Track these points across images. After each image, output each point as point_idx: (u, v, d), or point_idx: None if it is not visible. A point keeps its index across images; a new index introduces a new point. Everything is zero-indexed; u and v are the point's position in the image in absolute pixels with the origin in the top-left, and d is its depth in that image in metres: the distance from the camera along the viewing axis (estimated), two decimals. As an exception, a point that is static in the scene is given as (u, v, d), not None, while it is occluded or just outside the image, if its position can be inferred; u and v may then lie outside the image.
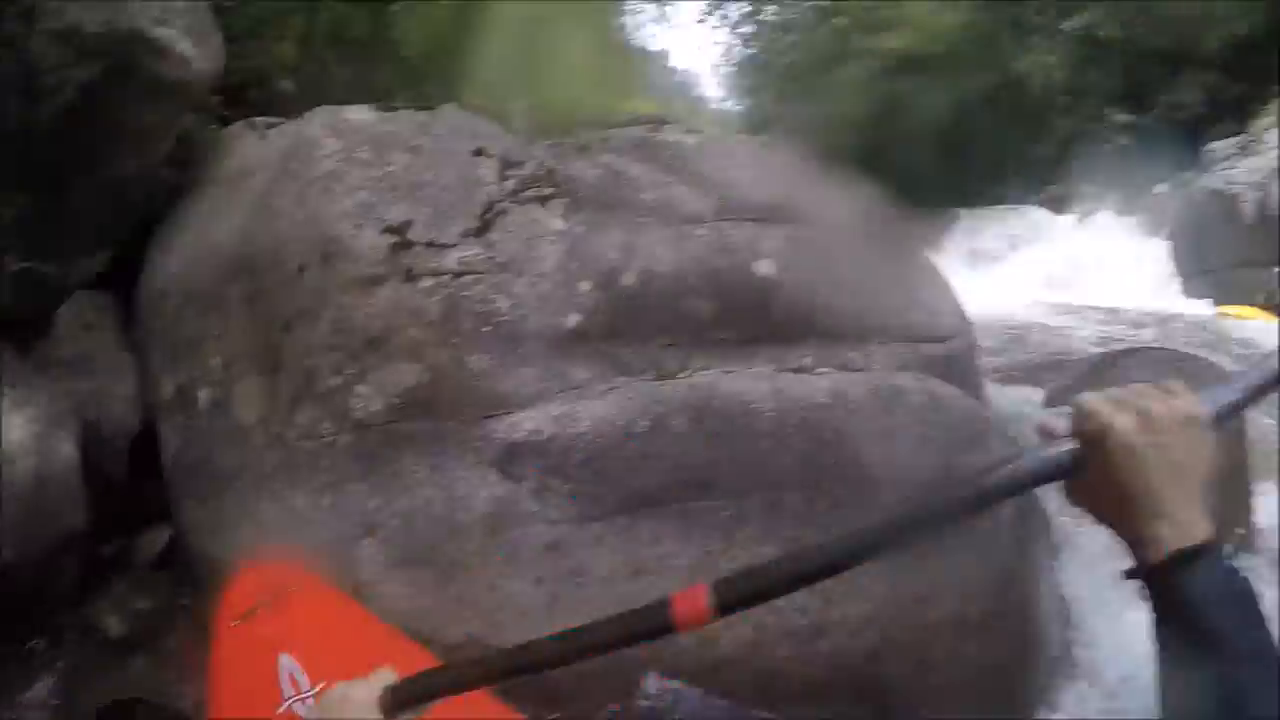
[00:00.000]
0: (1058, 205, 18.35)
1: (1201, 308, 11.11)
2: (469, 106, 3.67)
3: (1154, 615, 0.74)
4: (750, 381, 2.73)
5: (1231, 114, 15.66)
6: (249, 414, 2.86)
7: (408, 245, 2.93)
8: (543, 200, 3.20)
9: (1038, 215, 17.60)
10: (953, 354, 3.28)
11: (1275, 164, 12.50)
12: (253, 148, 3.52)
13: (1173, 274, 12.41)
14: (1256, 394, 0.86)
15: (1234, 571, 0.73)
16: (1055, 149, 20.10)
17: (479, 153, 3.20)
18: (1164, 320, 9.02)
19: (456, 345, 2.74)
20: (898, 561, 2.43)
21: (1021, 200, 19.15)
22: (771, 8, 26.88)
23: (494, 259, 2.93)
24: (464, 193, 3.09)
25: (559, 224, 3.13)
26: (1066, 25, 19.84)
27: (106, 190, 3.08)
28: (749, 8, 27.81)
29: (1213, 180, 13.90)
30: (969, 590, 2.60)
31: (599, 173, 3.29)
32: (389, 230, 2.95)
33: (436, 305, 2.80)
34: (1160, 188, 16.28)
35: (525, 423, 2.63)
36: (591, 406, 2.64)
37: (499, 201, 3.10)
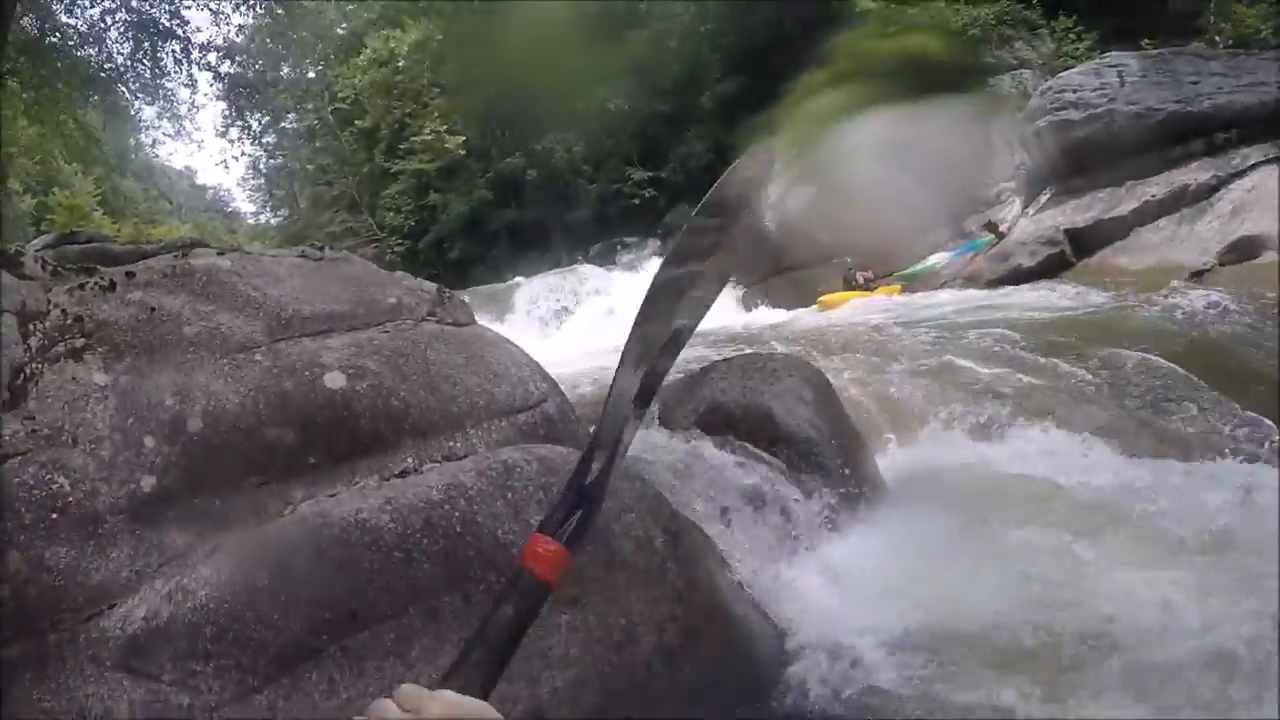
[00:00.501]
0: (605, 260, 21.19)
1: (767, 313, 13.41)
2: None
3: None
4: (359, 499, 2.82)
5: (736, 156, 19.03)
6: None
7: None
8: (76, 354, 2.98)
9: (589, 271, 20.07)
10: (548, 416, 3.63)
11: (782, 189, 15.35)
12: None
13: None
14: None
15: None
16: (590, 211, 23.47)
17: (-5, 308, 2.84)
18: (743, 331, 10.83)
19: (26, 544, 2.48)
20: (579, 619, 2.72)
21: (573, 261, 21.80)
22: (291, 116, 26.93)
23: (39, 433, 2.71)
24: (-15, 361, 2.78)
25: (101, 378, 2.96)
26: (579, 106, 22.90)
27: None
28: (268, 118, 27.47)
29: None
30: (658, 618, 2.88)
31: (132, 311, 3.16)
32: None
33: None
34: None
35: (136, 610, 2.48)
36: (201, 572, 2.56)
37: (28, 364, 2.81)
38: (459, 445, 3.28)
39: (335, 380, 3.13)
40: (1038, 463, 4.47)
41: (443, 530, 2.72)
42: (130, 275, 3.31)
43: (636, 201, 23.92)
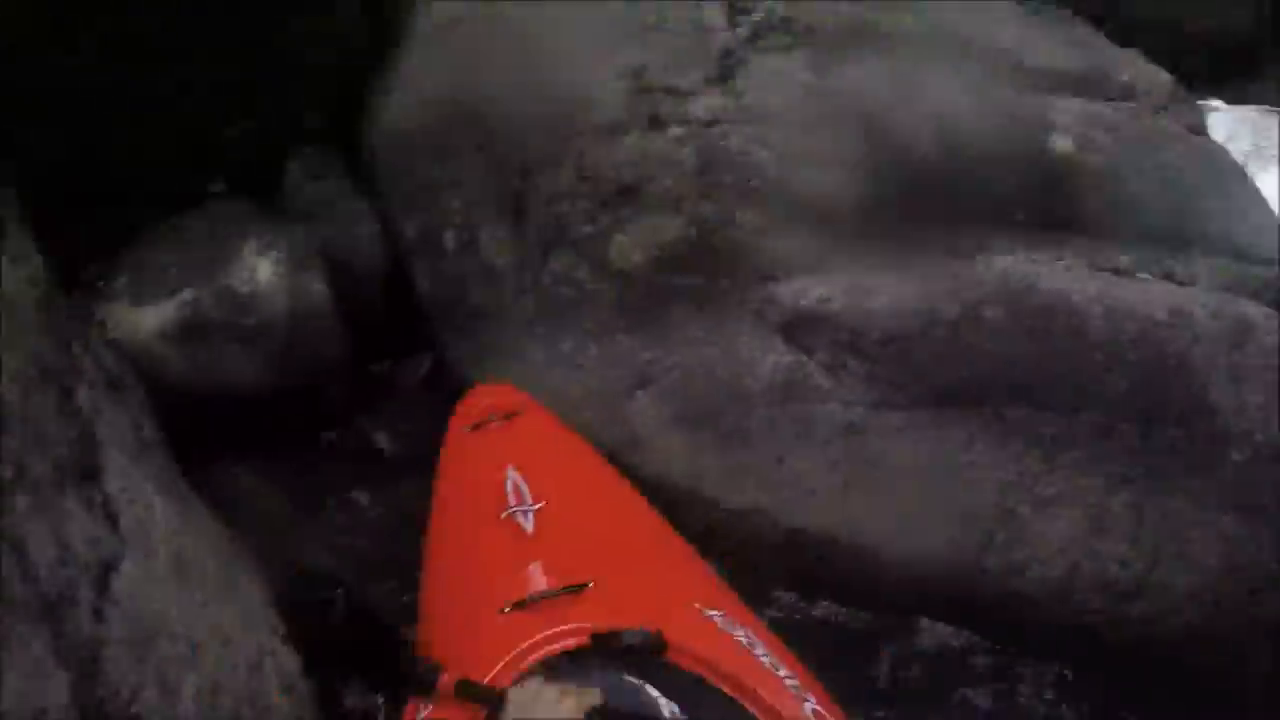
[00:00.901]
0: None
1: None
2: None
3: None
4: (1072, 280, 2.39)
5: None
6: (499, 258, 2.70)
7: (647, 90, 2.64)
8: (784, 50, 2.82)
9: None
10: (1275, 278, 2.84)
11: None
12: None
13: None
14: None
15: None
16: None
17: (709, -2, 2.91)
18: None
19: (720, 199, 2.47)
20: (1236, 539, 2.17)
21: None
22: None
23: (747, 109, 2.62)
24: (696, 39, 2.76)
25: (805, 76, 2.75)
26: None
27: (314, 41, 2.94)
28: None
29: None
30: None
31: (842, 21, 2.87)
32: (623, 75, 2.67)
33: (691, 155, 2.53)
34: None
35: (812, 290, 2.36)
36: (886, 282, 2.35)
37: (735, 49, 2.76)
38: (1180, 268, 2.64)
39: (1063, 143, 2.67)
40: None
41: (1153, 356, 2.24)
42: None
43: None
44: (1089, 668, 2.18)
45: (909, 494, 2.14)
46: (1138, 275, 2.54)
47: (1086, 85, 2.94)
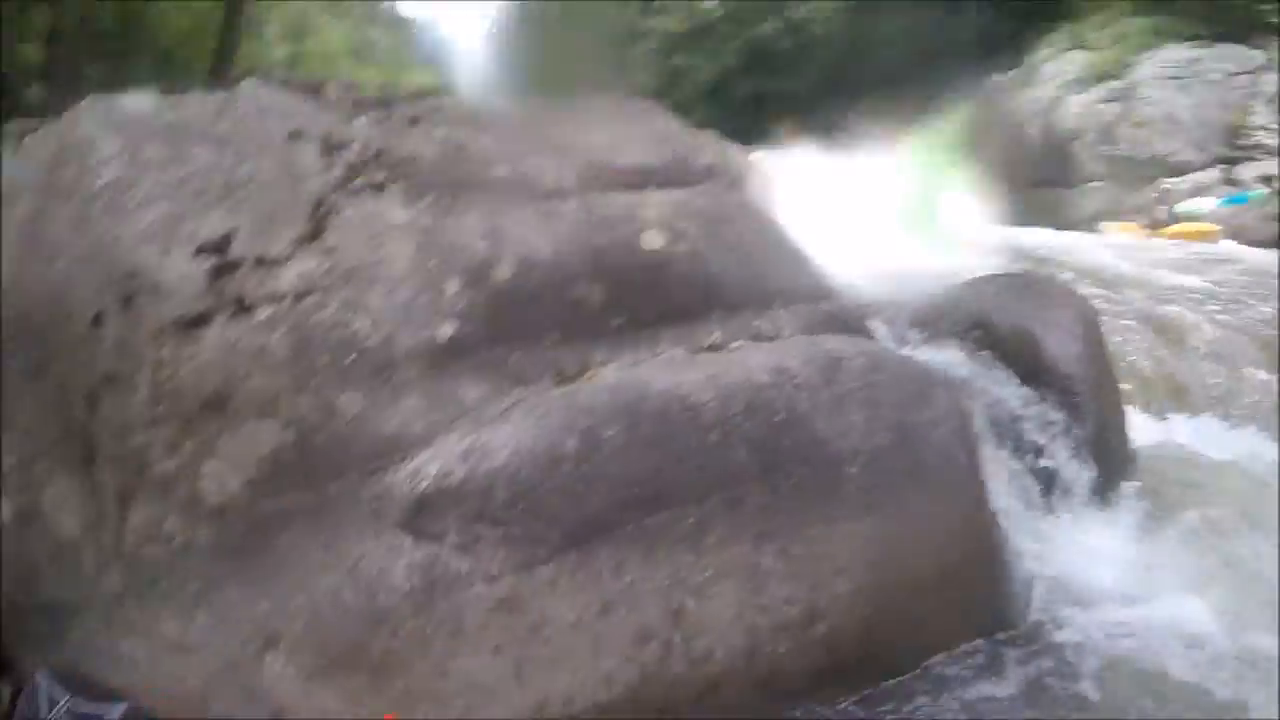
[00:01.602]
0: (847, 143, 20.47)
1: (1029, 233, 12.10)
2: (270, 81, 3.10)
3: None
4: (676, 370, 2.51)
5: (1002, 51, 17.63)
6: (69, 524, 2.31)
7: (232, 267, 2.44)
8: (378, 188, 2.77)
9: (828, 154, 19.36)
10: (845, 308, 3.24)
11: (1053, 93, 14.19)
12: (8, 165, 2.83)
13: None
14: None
15: None
16: (839, 90, 22.63)
17: (296, 135, 2.70)
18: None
19: (318, 387, 2.33)
20: (870, 527, 2.43)
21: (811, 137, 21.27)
22: None
23: (338, 269, 2.51)
24: (288, 189, 2.62)
25: (402, 215, 2.73)
26: None
27: None
28: None
29: (997, 110, 16.24)
30: (944, 536, 2.57)
31: (438, 148, 2.90)
32: (205, 250, 2.44)
33: (283, 340, 2.35)
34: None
35: (429, 467, 2.26)
36: (501, 432, 2.31)
37: (329, 195, 2.64)
38: (767, 326, 2.92)
39: (653, 240, 2.83)
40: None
41: (764, 416, 2.39)
42: (436, 110, 3.12)
43: (891, 85, 22.13)
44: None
45: (580, 644, 2.11)
46: (730, 347, 2.74)
47: (670, 176, 3.13)
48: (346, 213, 2.65)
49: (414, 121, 3.01)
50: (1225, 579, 2.86)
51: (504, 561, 2.13)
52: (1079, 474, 3.24)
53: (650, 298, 2.77)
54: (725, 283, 2.89)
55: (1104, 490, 3.30)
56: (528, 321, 2.62)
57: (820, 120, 22.55)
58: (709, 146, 3.43)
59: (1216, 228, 12.51)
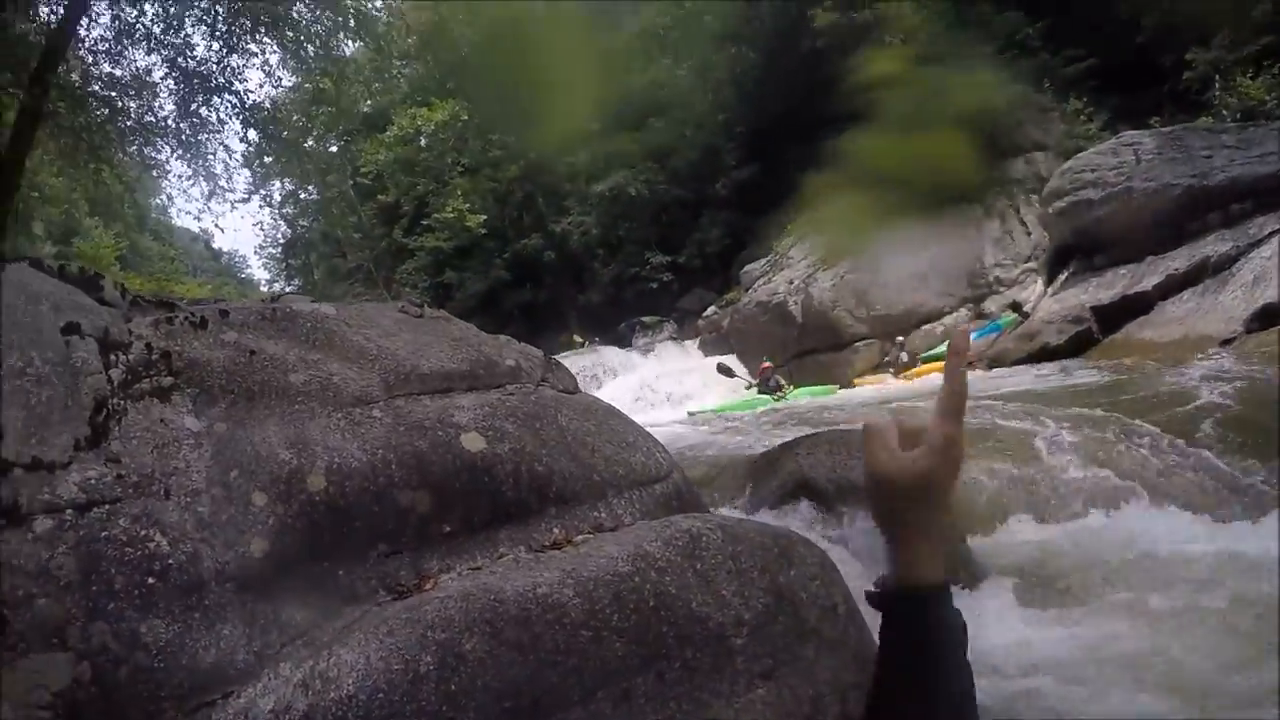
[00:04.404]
0: (624, 341, 21.79)
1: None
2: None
3: (884, 625, 0.95)
4: (532, 572, 2.44)
5: (753, 241, 19.79)
6: None
7: (4, 468, 2.15)
8: (163, 394, 2.60)
9: (608, 352, 20.50)
10: (678, 487, 3.31)
11: (804, 272, 15.99)
12: None
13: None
14: None
15: (952, 615, 0.94)
16: (605, 294, 24.30)
17: (72, 329, 2.48)
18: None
19: (116, 613, 2.06)
20: (773, 693, 2.42)
21: (590, 340, 22.53)
22: (311, 187, 28.16)
23: (127, 479, 2.31)
24: (64, 388, 2.37)
25: (193, 422, 2.58)
26: (597, 189, 23.34)
27: None
28: (290, 188, 28.93)
29: (757, 295, 17.81)
30: (842, 687, 2.60)
31: (228, 353, 2.80)
32: None
33: (68, 558, 2.08)
34: (709, 311, 19.98)
35: (262, 701, 2.05)
36: (343, 656, 2.14)
37: (110, 397, 2.44)
38: (605, 515, 2.95)
39: (474, 442, 2.82)
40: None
41: (634, 604, 2.36)
42: (224, 314, 2.99)
43: (654, 285, 24.70)
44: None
45: None
46: (576, 541, 2.74)
47: (478, 378, 3.17)
48: (132, 417, 2.46)
49: (200, 324, 2.87)
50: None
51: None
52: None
53: (480, 500, 2.73)
54: (555, 478, 2.89)
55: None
56: (350, 534, 2.49)
57: (596, 327, 24.16)
58: (509, 347, 3.50)
59: None
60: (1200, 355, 9.30)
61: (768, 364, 14.20)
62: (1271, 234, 11.42)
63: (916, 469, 0.88)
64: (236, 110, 11.97)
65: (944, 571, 0.92)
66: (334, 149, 27.37)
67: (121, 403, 2.49)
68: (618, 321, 23.98)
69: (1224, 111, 15.03)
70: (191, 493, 2.36)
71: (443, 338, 3.34)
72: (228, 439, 2.55)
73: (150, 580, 2.13)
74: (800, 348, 16.67)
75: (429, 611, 2.24)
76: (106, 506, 2.20)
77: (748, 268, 19.67)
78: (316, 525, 2.45)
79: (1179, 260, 12.20)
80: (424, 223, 26.78)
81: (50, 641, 1.97)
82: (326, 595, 2.36)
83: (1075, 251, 14.42)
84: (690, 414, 13.00)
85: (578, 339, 21.91)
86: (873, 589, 0.96)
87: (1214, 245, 11.95)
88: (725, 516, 3.10)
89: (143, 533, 2.19)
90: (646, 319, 23.29)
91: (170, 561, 2.18)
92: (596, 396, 3.68)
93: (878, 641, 0.97)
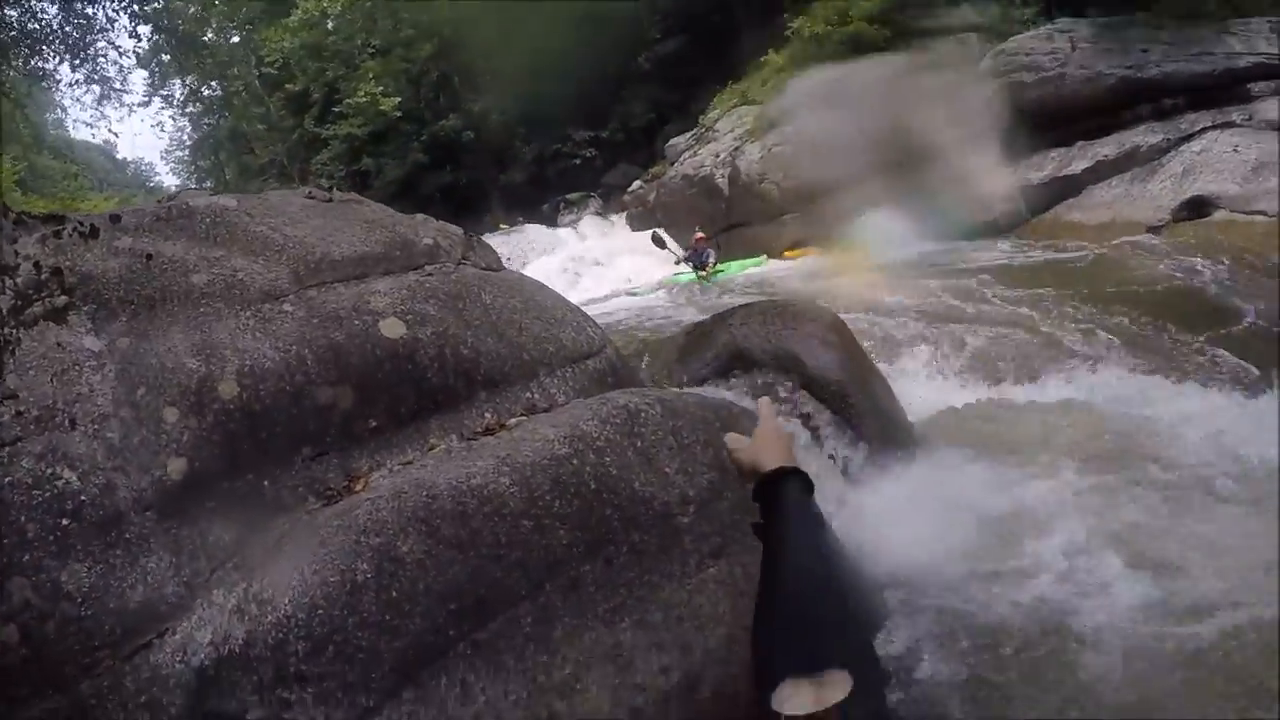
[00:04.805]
0: (550, 220, 21.43)
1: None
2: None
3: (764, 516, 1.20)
4: (465, 462, 2.33)
5: (677, 115, 19.20)
6: None
7: None
8: (57, 315, 2.45)
9: (534, 230, 20.20)
10: (612, 362, 3.21)
11: (731, 145, 15.58)
12: None
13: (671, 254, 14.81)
14: None
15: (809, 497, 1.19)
16: (527, 173, 23.61)
17: (-49, 261, 2.30)
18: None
19: (34, 564, 1.96)
20: (724, 571, 2.43)
21: (513, 223, 22.18)
22: (214, 83, 26.52)
23: (26, 414, 2.16)
24: (-56, 324, 2.20)
25: (93, 341, 2.43)
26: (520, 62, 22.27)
27: None
28: (191, 85, 27.81)
29: (683, 169, 17.58)
30: None
31: (123, 261, 2.62)
32: None
33: None
34: (634, 186, 19.63)
35: (199, 634, 1.98)
36: (276, 574, 2.05)
37: (1, 328, 2.27)
38: (538, 396, 2.85)
39: (394, 328, 2.67)
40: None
41: (574, 489, 2.29)
42: (115, 219, 2.78)
43: (577, 161, 23.94)
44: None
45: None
46: (509, 423, 2.65)
47: (394, 261, 3.00)
48: (26, 346, 2.30)
49: (91, 234, 2.66)
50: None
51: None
52: (859, 455, 3.54)
53: (404, 390, 2.60)
54: (482, 360, 2.77)
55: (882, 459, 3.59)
56: (270, 440, 2.37)
57: (520, 206, 23.70)
58: (425, 226, 3.32)
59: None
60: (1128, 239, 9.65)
61: (701, 235, 13.84)
62: (1203, 131, 11.65)
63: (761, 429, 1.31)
64: (125, 6, 11.11)
65: (793, 461, 1.22)
66: (235, 39, 25.91)
67: (13, 331, 2.33)
68: (541, 201, 23.41)
69: (1164, 8, 14.66)
70: (98, 419, 2.23)
71: (354, 221, 3.14)
72: (131, 354, 2.40)
73: (64, 522, 2.03)
74: (728, 221, 16.43)
75: (361, 515, 2.14)
76: (6, 449, 2.07)
77: (673, 141, 19.03)
78: (234, 435, 2.33)
79: (1109, 148, 12.28)
80: (336, 110, 25.34)
81: (-31, 594, 1.89)
82: (252, 509, 2.26)
83: (1005, 133, 14.32)
84: (632, 295, 12.81)
85: (503, 226, 21.34)
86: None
87: (1144, 136, 12.09)
88: (663, 390, 3.01)
89: (49, 470, 2.08)
90: (571, 196, 22.76)
91: (83, 498, 2.07)
92: (522, 273, 3.51)
93: None
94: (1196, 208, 10.61)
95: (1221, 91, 12.01)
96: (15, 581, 1.92)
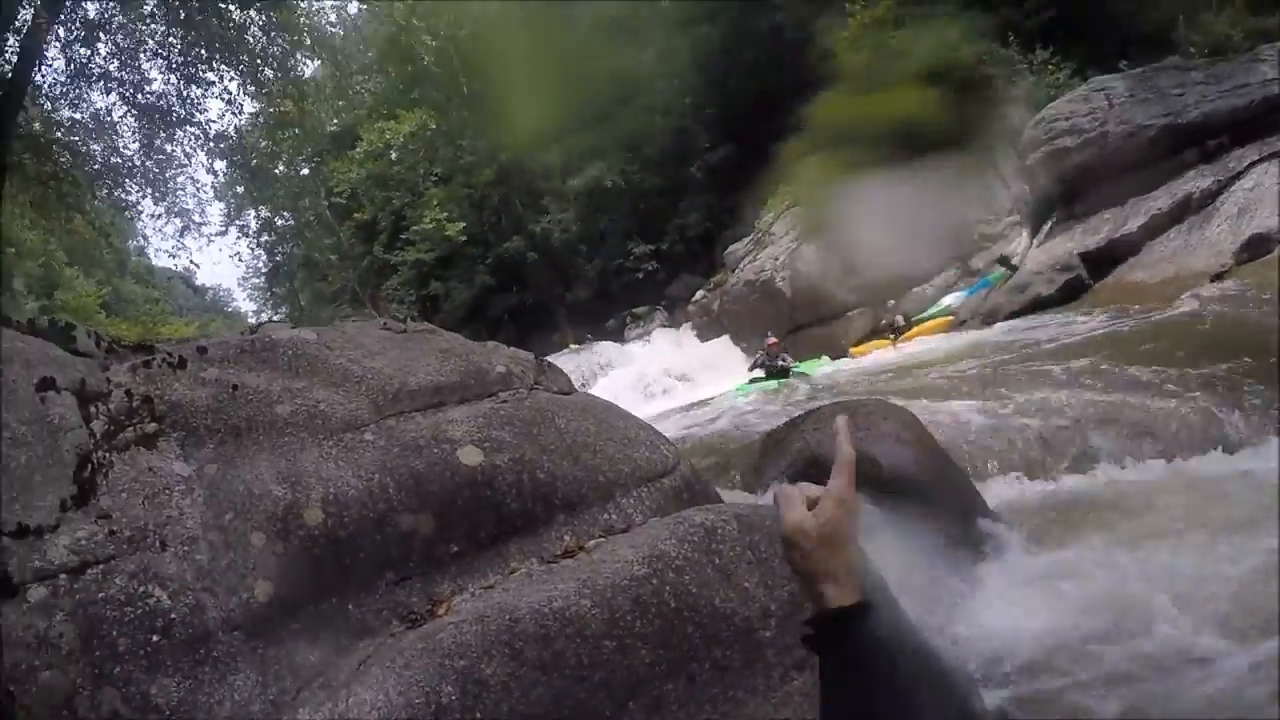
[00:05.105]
0: (616, 335, 21.76)
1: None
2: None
3: (821, 656, 1.01)
4: (546, 585, 2.35)
5: (732, 221, 19.66)
6: None
7: None
8: (148, 441, 2.52)
9: (603, 347, 20.43)
10: (687, 479, 3.23)
11: (788, 248, 15.89)
12: None
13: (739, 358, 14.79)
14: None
15: (878, 631, 0.99)
16: (592, 290, 24.24)
17: (46, 385, 2.39)
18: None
19: (122, 678, 1.98)
20: (801, 684, 2.35)
21: (581, 340, 22.45)
22: (285, 213, 27.92)
23: (119, 534, 2.22)
24: (43, 447, 2.27)
25: (182, 467, 2.49)
26: (574, 184, 23.63)
27: None
28: (265, 216, 29.17)
29: (744, 274, 17.80)
30: None
31: (209, 391, 2.72)
32: None
33: (66, 625, 1.99)
34: (698, 295, 19.92)
35: None
36: (361, 695, 2.06)
37: (94, 451, 2.35)
38: (615, 517, 2.87)
39: (471, 456, 2.73)
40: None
41: (655, 608, 2.29)
42: (202, 351, 2.90)
43: (639, 275, 24.53)
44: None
45: None
46: (588, 546, 2.65)
47: (469, 389, 3.08)
48: (118, 469, 2.37)
49: (179, 364, 2.78)
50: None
51: None
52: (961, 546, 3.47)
53: (484, 515, 2.64)
54: (559, 484, 2.81)
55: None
56: (354, 565, 2.41)
57: (586, 323, 24.25)
58: (498, 354, 3.41)
59: (947, 318, 14.41)
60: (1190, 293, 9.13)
61: (773, 340, 13.92)
62: (1250, 165, 11.39)
63: (820, 520, 1.01)
64: (201, 142, 11.85)
65: (860, 595, 1.00)
66: (305, 172, 27.28)
67: (106, 455, 2.40)
68: (607, 316, 24.01)
69: (1190, 50, 14.96)
70: (188, 541, 2.28)
71: (429, 351, 3.24)
72: (219, 480, 2.47)
73: (154, 638, 2.06)
74: (793, 323, 16.62)
75: (445, 638, 2.16)
76: (101, 566, 2.12)
77: (731, 248, 19.56)
78: (319, 560, 2.37)
79: (1161, 200, 12.13)
80: (403, 236, 26.55)
81: (59, 714, 1.90)
82: (337, 632, 2.29)
83: (1057, 200, 14.35)
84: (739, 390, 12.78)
85: (572, 345, 21.78)
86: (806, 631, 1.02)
87: (1194, 182, 11.89)
88: (739, 505, 3.00)
89: (141, 589, 2.12)
90: (637, 310, 23.31)
91: (173, 616, 2.11)
92: (593, 394, 3.58)
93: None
94: (1257, 246, 10.26)
95: (1263, 120, 11.69)
96: (106, 692, 1.94)
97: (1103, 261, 12.59)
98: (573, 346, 21.40)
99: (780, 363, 13.20)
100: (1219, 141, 12.06)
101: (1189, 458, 4.76)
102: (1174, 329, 7.61)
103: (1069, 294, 12.75)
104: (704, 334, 19.39)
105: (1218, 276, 9.93)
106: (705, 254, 22.98)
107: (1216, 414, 5.16)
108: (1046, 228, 14.62)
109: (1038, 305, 12.88)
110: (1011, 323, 12.60)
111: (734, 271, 18.79)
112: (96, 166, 11.34)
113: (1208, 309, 7.99)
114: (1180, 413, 5.24)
